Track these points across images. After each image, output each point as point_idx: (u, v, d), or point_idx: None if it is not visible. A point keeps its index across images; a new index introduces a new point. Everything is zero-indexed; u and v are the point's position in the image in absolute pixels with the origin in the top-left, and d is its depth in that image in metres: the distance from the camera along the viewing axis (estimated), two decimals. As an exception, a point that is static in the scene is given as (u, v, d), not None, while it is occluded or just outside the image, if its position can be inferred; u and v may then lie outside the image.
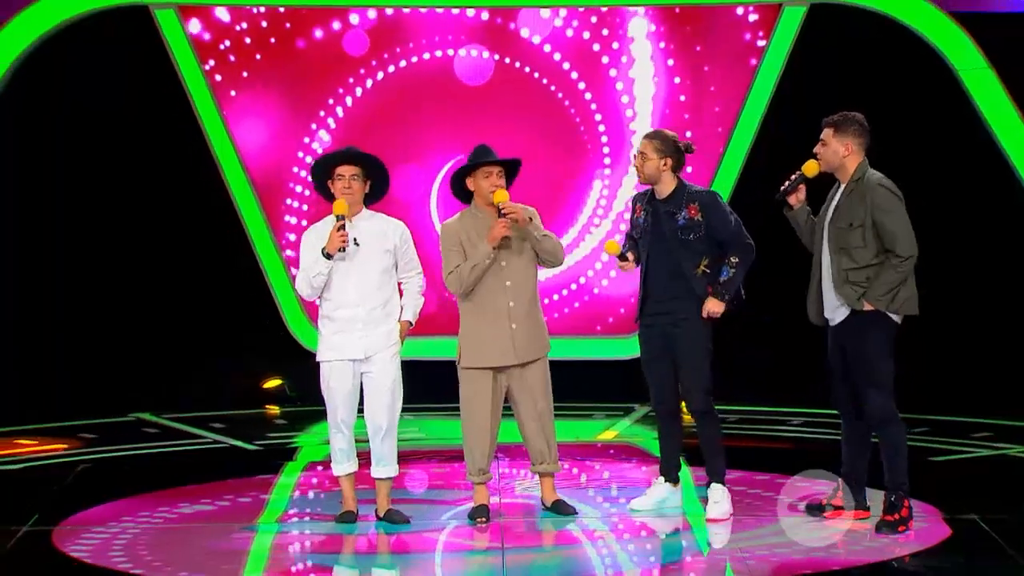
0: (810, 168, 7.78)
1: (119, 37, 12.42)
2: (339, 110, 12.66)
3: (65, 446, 10.69)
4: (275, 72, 12.60)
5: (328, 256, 7.75)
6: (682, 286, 8.00)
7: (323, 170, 7.92)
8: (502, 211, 7.82)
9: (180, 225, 12.57)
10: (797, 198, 7.90)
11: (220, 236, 12.60)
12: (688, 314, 8.00)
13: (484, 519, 8.03)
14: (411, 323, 8.05)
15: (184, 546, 7.58)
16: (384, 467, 8.02)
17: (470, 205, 8.08)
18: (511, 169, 8.04)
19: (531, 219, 7.97)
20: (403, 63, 12.65)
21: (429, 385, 9.94)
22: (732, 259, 8.01)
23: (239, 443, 10.81)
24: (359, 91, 12.67)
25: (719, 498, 8.09)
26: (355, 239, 7.83)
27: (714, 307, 7.98)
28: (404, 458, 8.29)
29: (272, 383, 12.74)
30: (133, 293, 12.57)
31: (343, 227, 7.72)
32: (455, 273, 7.95)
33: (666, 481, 8.30)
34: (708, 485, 8.15)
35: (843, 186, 7.76)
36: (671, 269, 7.98)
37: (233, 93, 12.56)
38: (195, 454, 10.51)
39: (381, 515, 8.02)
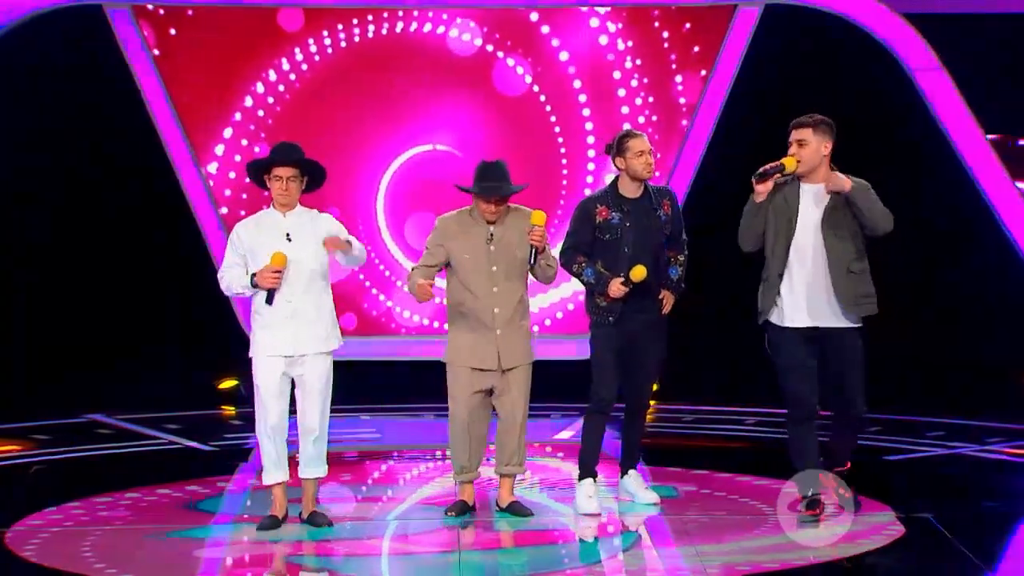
0: (790, 164, 7.76)
1: (74, 36, 12.39)
2: (266, 96, 12.69)
3: (18, 448, 10.62)
4: (230, 67, 12.61)
5: (255, 286, 7.74)
6: (656, 282, 8.13)
7: (260, 168, 7.90)
8: (532, 236, 7.85)
9: (133, 223, 12.54)
10: (766, 189, 7.81)
11: (174, 236, 12.56)
12: (661, 311, 8.20)
13: (454, 512, 8.04)
14: (348, 242, 7.81)
15: (138, 548, 7.54)
16: (313, 468, 7.94)
17: (472, 206, 8.06)
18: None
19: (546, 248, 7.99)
20: (343, 43, 12.71)
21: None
22: (680, 257, 8.26)
23: (194, 444, 10.77)
24: (293, 76, 12.69)
25: (646, 482, 8.46)
26: (287, 234, 7.80)
27: (671, 302, 8.19)
28: (369, 457, 8.27)
29: (227, 384, 12.70)
30: (87, 293, 12.51)
31: (279, 274, 7.69)
32: (412, 272, 8.02)
33: (592, 478, 8.33)
34: (626, 473, 8.38)
35: (821, 186, 7.78)
36: (651, 267, 8.05)
37: (188, 92, 12.57)
38: (149, 455, 10.46)
39: (305, 517, 7.97)
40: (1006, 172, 12.46)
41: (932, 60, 12.43)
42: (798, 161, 7.76)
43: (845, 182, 7.69)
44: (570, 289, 12.55)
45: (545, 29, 12.73)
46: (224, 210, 12.66)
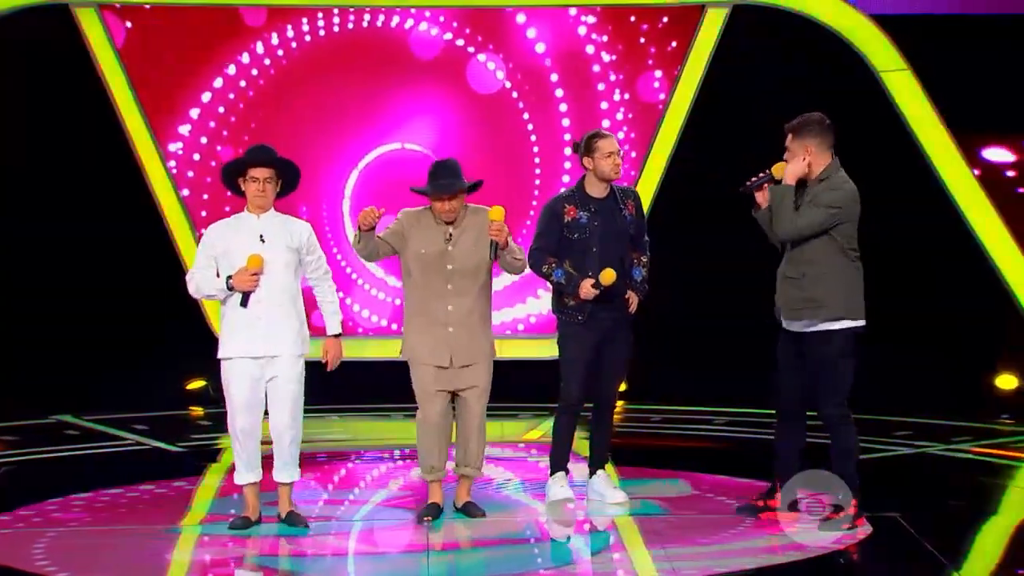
0: (778, 169, 7.80)
1: (40, 36, 12.37)
2: (230, 87, 12.68)
3: (-16, 448, 10.60)
4: (191, 63, 12.59)
5: (231, 288, 7.71)
6: (622, 281, 8.15)
7: (236, 170, 7.88)
8: (491, 231, 7.84)
9: (102, 223, 12.49)
10: (764, 198, 7.87)
11: (143, 235, 12.53)
12: (628, 310, 8.22)
13: (431, 517, 8.01)
14: (339, 334, 7.98)
15: (106, 549, 7.51)
16: (287, 473, 7.94)
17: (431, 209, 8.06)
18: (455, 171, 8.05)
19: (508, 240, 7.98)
20: (307, 38, 12.71)
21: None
22: (643, 259, 8.32)
23: (162, 445, 10.74)
24: (255, 72, 12.68)
25: (616, 482, 8.47)
26: (261, 235, 7.79)
27: (636, 302, 8.25)
28: (336, 457, 8.24)
29: (195, 384, 12.67)
30: (55, 294, 12.47)
31: (257, 276, 7.69)
32: (358, 246, 7.96)
33: (564, 473, 8.39)
34: (594, 473, 8.43)
35: (808, 187, 7.80)
36: (618, 266, 8.09)
37: (150, 88, 12.55)
38: (117, 456, 10.42)
39: (282, 516, 7.96)
40: (972, 172, 12.53)
41: (899, 61, 12.48)
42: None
43: (788, 174, 7.71)
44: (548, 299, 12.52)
45: (521, 18, 12.70)
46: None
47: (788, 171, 7.72)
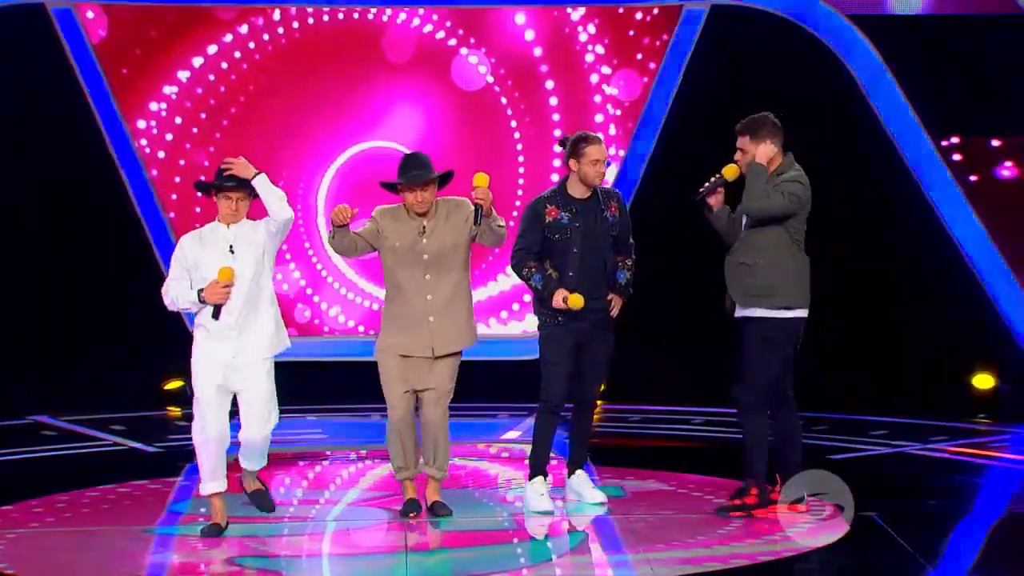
0: (730, 172, 7.92)
1: (17, 35, 12.35)
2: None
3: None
4: (172, 64, 12.55)
5: (202, 301, 7.66)
6: (604, 283, 8.15)
7: (210, 187, 7.84)
8: (476, 197, 7.86)
9: (78, 222, 12.48)
10: (717, 200, 8.01)
11: (120, 235, 12.51)
12: (608, 310, 8.19)
13: (415, 514, 8.05)
14: (261, 178, 7.69)
15: (83, 550, 7.49)
16: (255, 462, 7.91)
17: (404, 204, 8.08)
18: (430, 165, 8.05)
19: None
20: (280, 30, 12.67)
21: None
22: (627, 262, 8.28)
23: (139, 445, 10.70)
24: (225, 65, 12.63)
25: (594, 481, 8.47)
26: (231, 246, 7.76)
27: (619, 305, 8.21)
28: (314, 457, 8.22)
29: (172, 384, 12.63)
30: (32, 294, 12.43)
31: (228, 288, 7.66)
32: (333, 242, 7.97)
33: (543, 478, 8.36)
34: (573, 472, 8.40)
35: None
36: (600, 267, 8.11)
37: (134, 92, 12.52)
38: (94, 456, 10.39)
39: (249, 491, 7.94)
40: (951, 173, 12.57)
41: (877, 61, 12.50)
42: (740, 169, 7.88)
43: (760, 154, 7.83)
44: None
45: (507, 8, 12.67)
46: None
47: (760, 151, 7.84)
